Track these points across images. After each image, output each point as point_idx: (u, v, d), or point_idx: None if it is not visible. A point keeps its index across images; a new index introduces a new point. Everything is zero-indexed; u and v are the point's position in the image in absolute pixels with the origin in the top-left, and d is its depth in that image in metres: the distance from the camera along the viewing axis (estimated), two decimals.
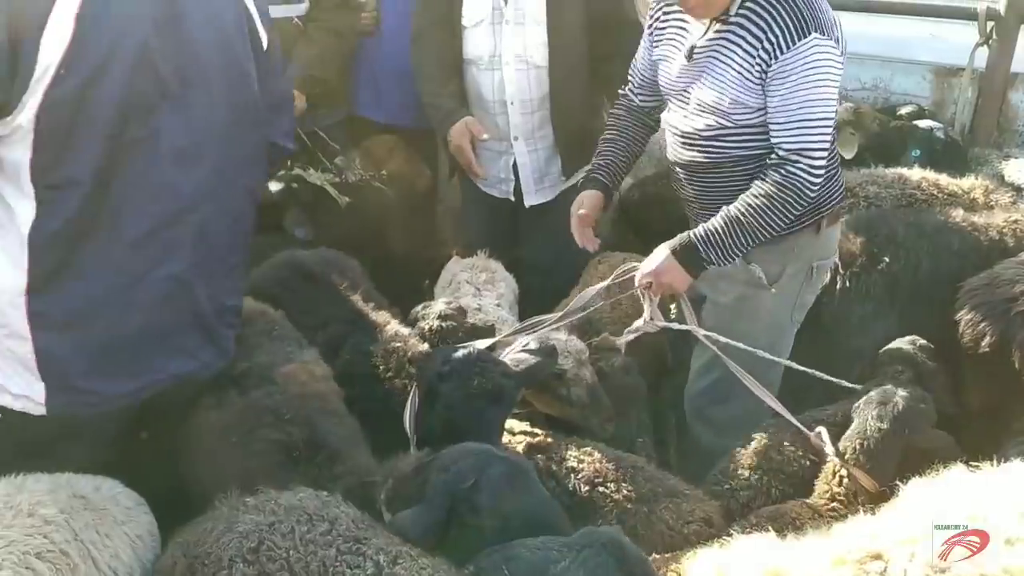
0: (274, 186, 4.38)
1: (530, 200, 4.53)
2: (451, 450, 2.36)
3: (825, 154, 3.01)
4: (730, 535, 2.50)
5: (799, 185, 2.96)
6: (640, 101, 3.61)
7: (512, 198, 4.56)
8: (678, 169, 3.42)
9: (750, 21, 2.98)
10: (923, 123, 5.23)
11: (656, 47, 3.43)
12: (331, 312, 3.48)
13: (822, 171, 3.02)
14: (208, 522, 2.23)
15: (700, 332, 3.30)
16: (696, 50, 3.14)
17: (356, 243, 4.24)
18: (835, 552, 2.18)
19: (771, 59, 2.93)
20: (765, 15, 2.95)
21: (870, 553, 2.14)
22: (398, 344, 3.29)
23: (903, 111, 5.50)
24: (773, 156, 3.02)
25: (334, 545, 2.12)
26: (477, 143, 4.38)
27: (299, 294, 3.56)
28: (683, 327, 3.36)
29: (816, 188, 3.02)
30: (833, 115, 3.03)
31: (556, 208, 4.46)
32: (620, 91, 3.70)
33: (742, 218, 2.99)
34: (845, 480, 2.75)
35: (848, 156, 4.89)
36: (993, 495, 2.20)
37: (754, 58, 2.97)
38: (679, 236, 3.11)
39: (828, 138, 3.02)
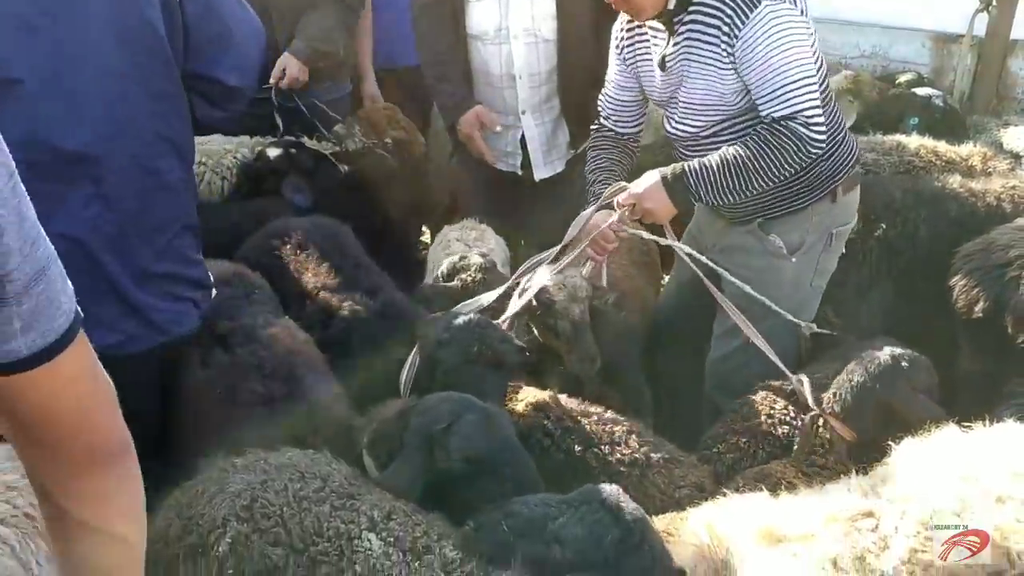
0: (272, 152, 4.38)
1: (540, 174, 4.50)
2: (431, 396, 2.40)
3: (819, 110, 2.97)
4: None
5: (798, 139, 2.94)
6: (619, 129, 3.55)
7: (519, 171, 4.53)
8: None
9: (702, 15, 3.00)
10: (922, 91, 5.21)
11: (630, 66, 3.41)
12: (321, 281, 3.46)
13: (823, 128, 2.99)
14: (199, 484, 2.24)
15: (682, 248, 3.32)
16: (667, 59, 3.17)
17: (355, 211, 4.22)
18: (827, 510, 2.20)
19: (732, 40, 2.93)
20: (714, 4, 2.96)
21: (862, 511, 2.16)
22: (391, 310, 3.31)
23: (902, 79, 5.48)
24: (765, 121, 3.01)
25: (328, 501, 2.13)
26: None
27: (289, 263, 3.55)
28: (652, 237, 3.35)
29: (818, 146, 2.99)
30: (813, 72, 2.97)
31: (565, 179, 4.51)
32: (594, 125, 3.63)
33: (739, 160, 2.97)
34: (822, 430, 2.78)
35: (847, 124, 4.88)
36: (984, 454, 2.21)
37: (718, 47, 2.98)
38: (673, 165, 3.10)
39: (816, 95, 2.98)
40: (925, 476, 2.21)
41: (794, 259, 3.39)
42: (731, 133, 3.16)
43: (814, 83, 2.98)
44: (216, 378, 2.70)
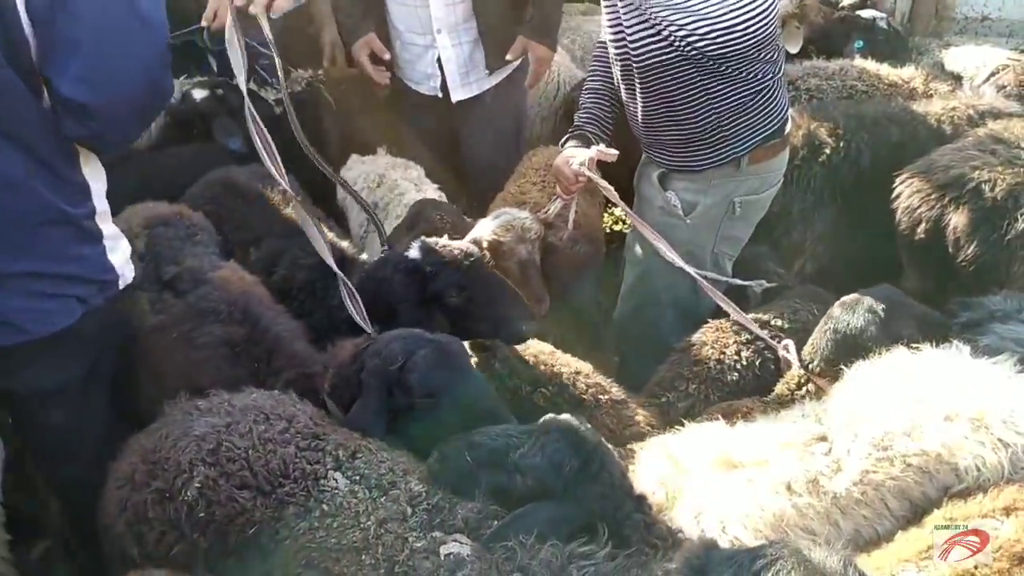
0: (198, 93, 4.22)
1: (456, 95, 4.41)
2: (382, 336, 2.41)
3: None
4: None
5: None
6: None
7: (440, 94, 4.43)
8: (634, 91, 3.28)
9: None
10: (866, 13, 5.23)
11: None
12: (265, 228, 3.42)
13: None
14: (163, 428, 2.23)
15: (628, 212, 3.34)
16: None
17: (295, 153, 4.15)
18: (781, 436, 2.28)
19: None
20: None
21: (815, 435, 2.25)
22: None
23: (845, 1, 5.48)
24: None
25: (293, 443, 2.14)
26: (398, 37, 4.34)
27: (232, 211, 3.49)
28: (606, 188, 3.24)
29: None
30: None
31: (485, 103, 4.45)
32: (598, 52, 3.52)
33: None
34: (807, 388, 2.82)
35: (793, 51, 4.89)
36: (932, 374, 2.30)
37: None
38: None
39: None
40: (876, 398, 2.29)
41: (688, 221, 3.34)
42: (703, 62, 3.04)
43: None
44: (170, 324, 2.66)
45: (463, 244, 2.93)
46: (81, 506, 2.42)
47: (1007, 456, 2.13)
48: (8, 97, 2.17)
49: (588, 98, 3.49)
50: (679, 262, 3.18)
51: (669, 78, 3.06)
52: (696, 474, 2.23)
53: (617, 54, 3.22)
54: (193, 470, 2.09)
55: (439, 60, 4.34)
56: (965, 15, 5.82)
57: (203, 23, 4.13)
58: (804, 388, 2.81)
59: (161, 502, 2.09)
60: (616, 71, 3.31)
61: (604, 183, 3.19)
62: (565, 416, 2.16)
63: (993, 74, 4.90)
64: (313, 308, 3.09)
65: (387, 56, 4.37)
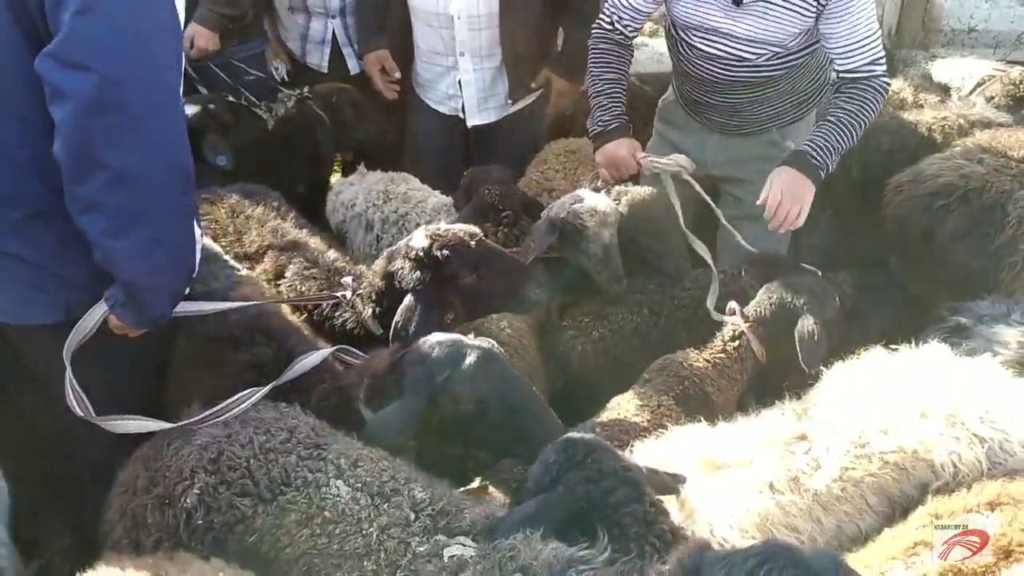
0: (189, 109, 4.26)
1: (472, 120, 4.52)
2: (422, 343, 2.42)
3: (884, 58, 3.33)
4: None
5: (880, 87, 3.31)
6: (628, 32, 3.66)
7: (462, 115, 4.54)
8: (711, 86, 3.59)
9: None
10: None
11: None
12: (267, 242, 3.44)
13: (886, 70, 3.34)
14: (166, 437, 2.28)
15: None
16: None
17: (282, 168, 4.21)
18: (763, 436, 2.33)
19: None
20: None
21: (796, 434, 2.31)
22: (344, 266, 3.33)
23: None
24: (847, 76, 3.31)
25: (294, 452, 2.19)
26: (420, 56, 4.45)
27: (229, 228, 3.52)
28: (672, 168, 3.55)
29: (888, 87, 3.37)
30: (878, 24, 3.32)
31: (499, 131, 4.55)
32: (604, 23, 3.66)
33: (848, 123, 3.28)
34: (740, 341, 2.97)
35: None
36: (909, 373, 2.36)
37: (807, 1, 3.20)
38: (793, 155, 3.33)
39: (882, 39, 3.34)
40: (854, 397, 2.35)
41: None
42: (778, 61, 3.42)
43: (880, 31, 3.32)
44: (199, 349, 2.72)
45: (465, 226, 2.99)
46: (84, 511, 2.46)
47: (983, 452, 2.20)
48: (19, 73, 2.12)
49: (611, 87, 3.64)
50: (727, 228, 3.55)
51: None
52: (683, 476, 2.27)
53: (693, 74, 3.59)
54: (194, 477, 2.14)
55: (460, 83, 4.44)
56: (952, 27, 5.88)
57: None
58: (738, 341, 2.97)
59: (160, 508, 2.14)
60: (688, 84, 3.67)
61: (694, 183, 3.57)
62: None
63: (980, 85, 4.98)
64: (320, 319, 3.12)
65: (397, 74, 4.52)
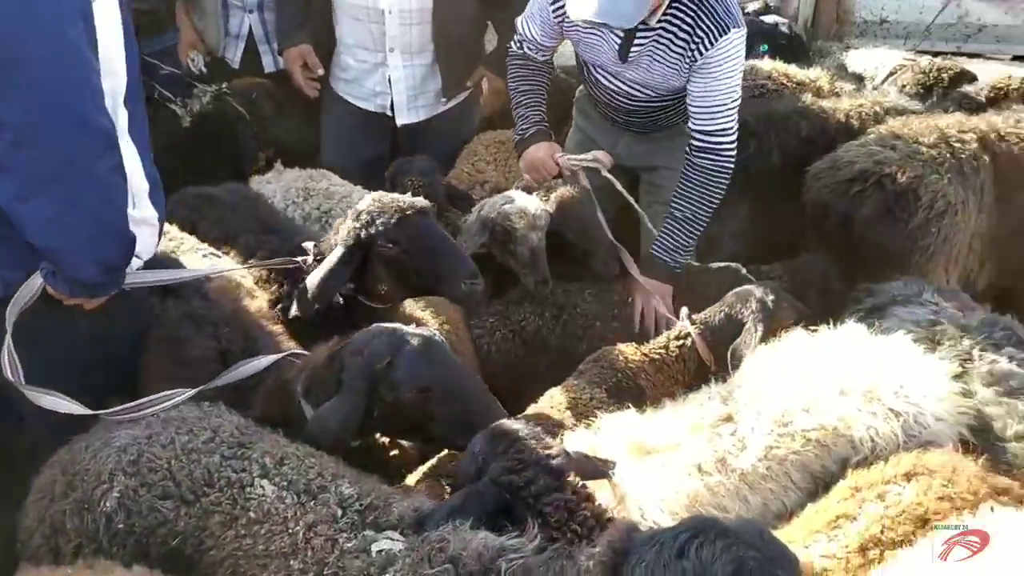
0: None
1: (402, 119, 4.43)
2: (361, 333, 2.38)
3: (735, 132, 3.48)
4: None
5: (718, 157, 3.44)
6: (542, 58, 3.78)
7: (390, 112, 4.44)
8: (614, 108, 3.79)
9: (674, 26, 3.31)
10: (769, 18, 5.44)
11: (562, 27, 3.55)
12: (240, 225, 3.41)
13: (734, 145, 3.47)
14: (83, 440, 2.21)
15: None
16: (630, 54, 3.44)
17: (199, 170, 4.08)
18: (690, 419, 2.37)
19: (699, 55, 3.32)
20: (688, 19, 3.28)
21: (721, 416, 2.35)
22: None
23: (750, 7, 5.68)
24: (695, 139, 3.46)
25: (218, 452, 2.14)
26: (347, 52, 4.34)
27: (204, 215, 3.48)
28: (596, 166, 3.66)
29: (732, 159, 3.49)
30: (739, 95, 3.47)
31: (429, 130, 4.46)
32: (515, 46, 3.76)
33: (690, 213, 3.48)
34: (685, 342, 2.99)
35: None
36: (828, 353, 2.42)
37: (684, 56, 3.35)
38: (645, 262, 3.56)
39: (736, 117, 3.48)
40: (776, 378, 2.40)
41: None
42: (659, 101, 3.64)
43: (738, 106, 3.47)
44: (168, 332, 2.65)
45: (414, 199, 2.95)
46: None
47: (899, 425, 2.27)
48: None
49: (529, 98, 3.77)
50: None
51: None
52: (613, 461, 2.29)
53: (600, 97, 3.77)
54: (113, 480, 2.08)
55: (389, 80, 4.35)
56: (864, 19, 6.08)
57: None
58: (683, 341, 2.99)
59: (79, 513, 2.07)
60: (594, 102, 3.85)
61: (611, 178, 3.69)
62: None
63: (892, 74, 5.14)
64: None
65: (320, 70, 4.42)
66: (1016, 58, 6.37)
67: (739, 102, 3.47)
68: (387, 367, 2.26)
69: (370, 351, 2.29)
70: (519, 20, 3.76)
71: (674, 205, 3.51)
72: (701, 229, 3.52)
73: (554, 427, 2.63)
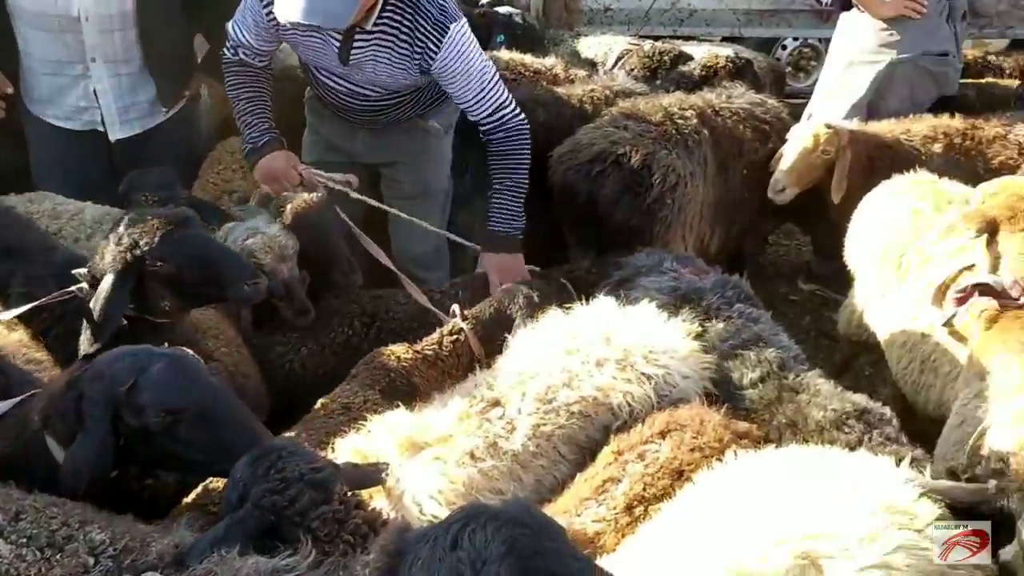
0: None
1: (115, 134, 4.00)
2: (104, 356, 2.17)
3: (509, 96, 3.55)
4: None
5: (516, 128, 3.51)
6: (260, 63, 3.66)
7: (101, 128, 4.00)
8: (345, 109, 3.74)
9: (393, 29, 3.30)
10: (503, 9, 5.61)
11: (276, 31, 3.41)
12: None
13: (516, 107, 3.54)
14: None
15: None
16: (351, 57, 3.39)
17: None
18: (459, 409, 2.40)
19: (430, 60, 3.33)
20: (406, 22, 3.28)
21: (489, 401, 2.40)
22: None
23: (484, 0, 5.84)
24: (483, 126, 3.52)
25: None
26: (37, 68, 3.88)
27: None
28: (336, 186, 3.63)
29: (525, 123, 3.57)
30: (493, 67, 3.54)
31: (149, 144, 4.07)
32: (230, 52, 3.59)
33: (516, 184, 3.55)
34: (458, 337, 2.98)
35: None
36: (583, 328, 2.54)
37: (411, 58, 3.35)
38: (490, 239, 3.59)
39: (502, 84, 3.55)
40: (538, 358, 2.49)
41: (448, 134, 3.91)
42: (405, 96, 3.62)
43: (497, 77, 3.53)
44: None
45: (174, 211, 2.77)
46: None
47: (651, 388, 2.42)
48: None
49: (253, 105, 3.65)
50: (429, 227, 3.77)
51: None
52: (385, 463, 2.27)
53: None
54: None
55: (94, 92, 3.93)
56: (590, 7, 6.44)
57: None
58: (455, 336, 2.98)
59: None
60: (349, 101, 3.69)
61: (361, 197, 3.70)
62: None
63: (620, 59, 5.46)
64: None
65: (9, 89, 3.91)
66: (725, 39, 7.00)
67: (495, 73, 3.53)
68: (130, 390, 2.06)
69: (111, 374, 2.09)
70: (230, 24, 3.58)
71: (496, 181, 3.57)
72: (526, 190, 3.59)
73: (328, 435, 2.56)
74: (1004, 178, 3.28)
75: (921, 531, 1.92)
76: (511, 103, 3.54)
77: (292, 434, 2.44)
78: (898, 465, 2.09)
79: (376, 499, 2.25)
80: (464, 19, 3.44)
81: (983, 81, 5.82)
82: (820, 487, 1.98)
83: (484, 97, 3.46)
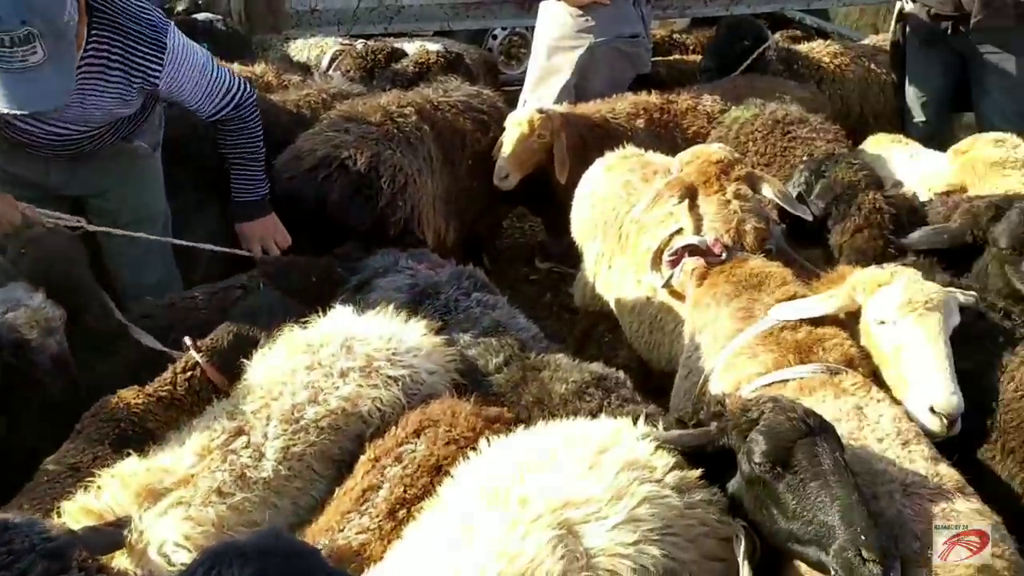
0: None
1: None
2: None
3: (233, 81, 3.60)
4: None
5: (244, 107, 3.61)
6: None
7: None
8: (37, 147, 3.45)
9: (101, 58, 3.16)
10: (201, 16, 5.33)
11: None
12: None
13: (241, 87, 3.62)
14: None
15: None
16: None
17: None
18: (198, 444, 2.26)
19: (154, 80, 3.30)
20: (116, 49, 3.17)
21: (231, 432, 2.28)
22: None
23: (179, 7, 5.51)
24: (213, 120, 3.60)
25: None
26: None
27: None
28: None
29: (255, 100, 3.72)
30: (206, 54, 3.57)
31: None
32: None
33: (255, 154, 3.71)
34: (194, 372, 2.70)
35: None
36: (323, 341, 2.49)
37: (129, 84, 3.27)
38: (234, 208, 3.73)
39: (219, 66, 3.63)
40: (278, 376, 2.40)
41: (156, 153, 3.83)
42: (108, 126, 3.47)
43: (214, 60, 3.57)
44: None
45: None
46: None
47: (399, 389, 2.42)
48: None
49: None
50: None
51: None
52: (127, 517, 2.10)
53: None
54: None
55: None
56: (296, 8, 6.28)
57: None
58: (191, 372, 2.68)
59: None
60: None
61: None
62: None
63: (334, 60, 5.39)
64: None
65: None
66: (437, 33, 7.11)
67: (210, 57, 3.57)
68: None
69: None
70: None
71: (233, 158, 3.69)
72: (264, 154, 3.74)
73: (52, 501, 2.30)
74: (697, 146, 3.59)
75: (661, 481, 2.06)
76: (233, 78, 3.61)
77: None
78: (635, 423, 2.23)
79: (120, 558, 2.08)
80: (172, 23, 3.43)
81: (671, 58, 6.37)
82: (568, 458, 2.07)
83: (214, 90, 3.50)
